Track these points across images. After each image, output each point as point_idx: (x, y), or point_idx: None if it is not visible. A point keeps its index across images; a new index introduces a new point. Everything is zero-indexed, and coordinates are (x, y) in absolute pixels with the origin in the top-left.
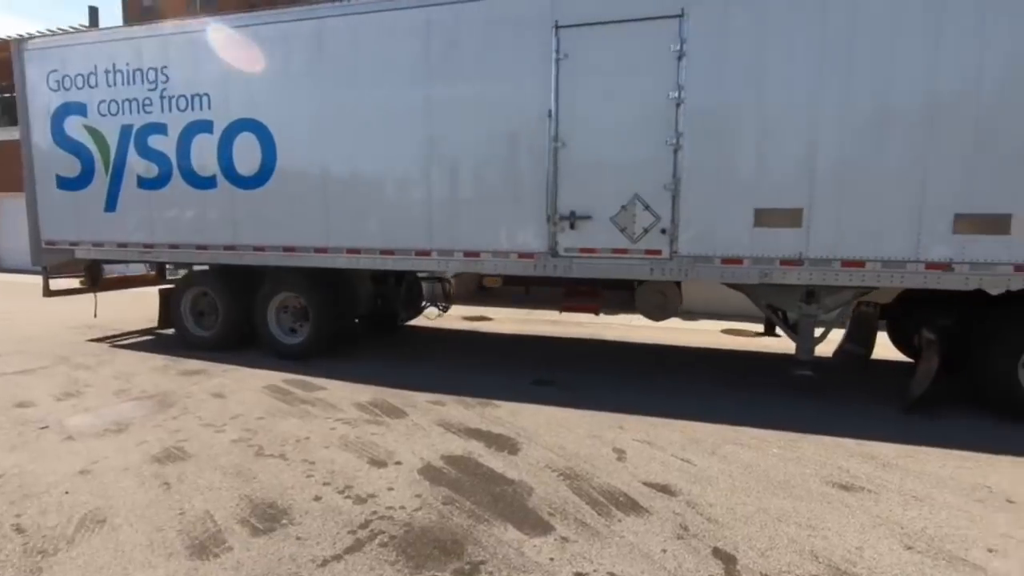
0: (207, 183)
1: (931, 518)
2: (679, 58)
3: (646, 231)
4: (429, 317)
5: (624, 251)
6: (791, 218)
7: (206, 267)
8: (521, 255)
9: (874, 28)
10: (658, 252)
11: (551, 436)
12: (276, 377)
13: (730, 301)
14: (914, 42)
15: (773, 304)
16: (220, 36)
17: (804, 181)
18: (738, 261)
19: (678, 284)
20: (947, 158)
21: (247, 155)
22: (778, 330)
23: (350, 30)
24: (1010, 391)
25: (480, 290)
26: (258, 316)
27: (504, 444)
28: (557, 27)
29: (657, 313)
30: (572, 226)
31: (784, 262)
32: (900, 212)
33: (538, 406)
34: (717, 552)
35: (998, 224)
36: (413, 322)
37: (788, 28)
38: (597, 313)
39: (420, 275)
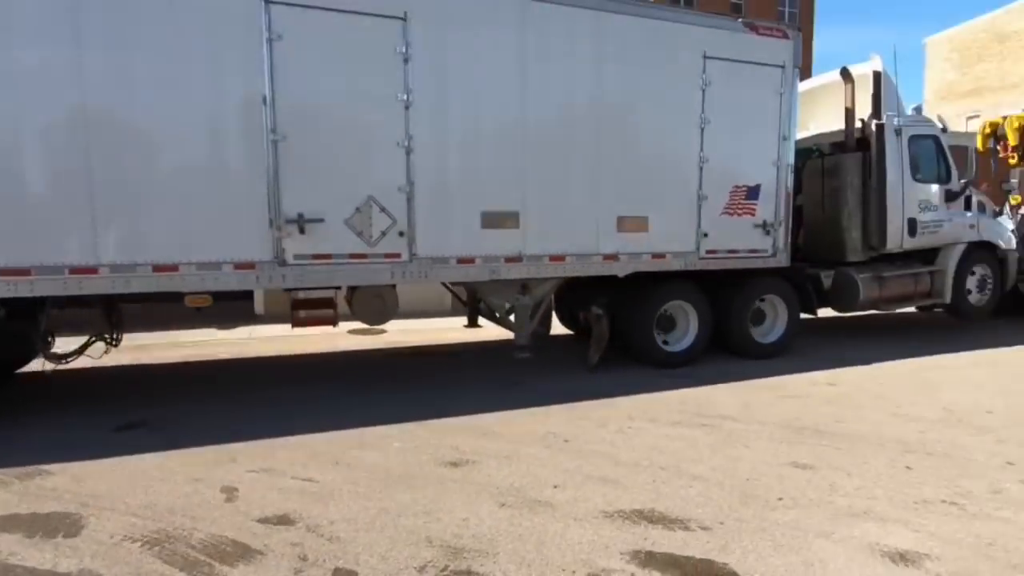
0: None
1: (517, 472)
2: (406, 61)
3: (384, 234)
4: (93, 356)
5: (363, 255)
6: (510, 220)
7: None
8: (239, 266)
9: (543, 56)
10: (397, 255)
11: (136, 495)
12: None
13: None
14: (584, 71)
15: (495, 298)
16: None
17: (518, 187)
18: (471, 261)
19: (393, 286)
20: (610, 173)
21: None
22: (482, 320)
23: None
24: (651, 347)
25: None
26: None
27: (59, 525)
28: (268, 1)
29: (376, 318)
30: (302, 230)
31: (508, 259)
32: (585, 215)
33: (120, 459)
34: (338, 573)
35: (642, 223)
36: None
37: (494, 46)
38: (335, 324)
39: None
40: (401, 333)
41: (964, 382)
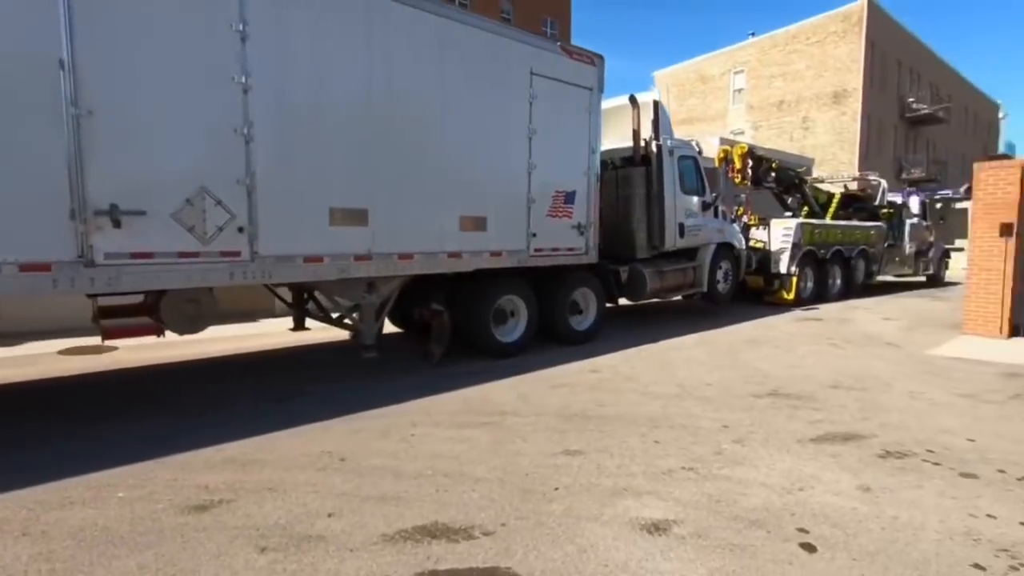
0: None
1: (284, 506)
2: (243, 40)
3: (220, 229)
4: None
5: (195, 254)
6: (359, 218)
7: None
8: (27, 267)
9: (389, 55)
10: (237, 254)
11: None
12: None
13: (56, 314)
14: (428, 75)
15: (340, 298)
16: None
17: (366, 184)
18: (319, 259)
19: (211, 289)
20: (453, 174)
21: None
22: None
23: None
24: (488, 339)
25: None
26: None
27: None
28: None
29: (188, 325)
30: (117, 224)
31: (357, 258)
32: (431, 214)
33: None
34: None
35: (482, 223)
36: None
37: (341, 37)
38: (161, 334)
39: None
40: (147, 349)
41: (691, 360)
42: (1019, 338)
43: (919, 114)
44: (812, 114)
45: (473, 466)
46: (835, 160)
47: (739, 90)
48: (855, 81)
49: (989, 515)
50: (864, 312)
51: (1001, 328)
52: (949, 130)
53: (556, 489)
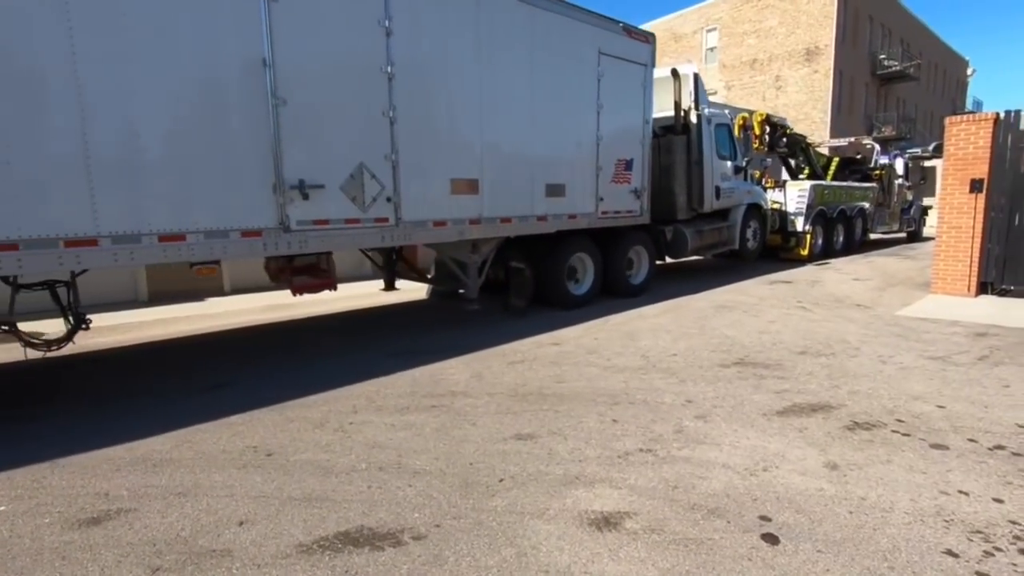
0: None
1: (191, 513)
2: (388, 35)
3: (375, 200)
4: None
5: (356, 220)
6: (473, 187)
7: None
8: (245, 233)
9: (491, 43)
10: (386, 220)
11: None
12: None
13: None
14: (521, 59)
15: (453, 257)
16: None
17: (477, 157)
18: (443, 223)
19: (330, 253)
20: (541, 146)
21: None
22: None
23: None
24: (563, 292)
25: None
26: None
27: None
28: None
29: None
30: (305, 196)
31: (471, 222)
32: (525, 182)
33: None
34: None
35: (561, 190)
36: None
37: (458, 30)
38: (334, 288)
39: None
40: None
41: (656, 329)
42: (987, 296)
43: (890, 71)
44: (784, 72)
45: (413, 457)
46: (808, 119)
47: (712, 48)
48: (827, 37)
49: (961, 491)
50: (835, 272)
51: (969, 286)
52: (919, 87)
53: (501, 480)
